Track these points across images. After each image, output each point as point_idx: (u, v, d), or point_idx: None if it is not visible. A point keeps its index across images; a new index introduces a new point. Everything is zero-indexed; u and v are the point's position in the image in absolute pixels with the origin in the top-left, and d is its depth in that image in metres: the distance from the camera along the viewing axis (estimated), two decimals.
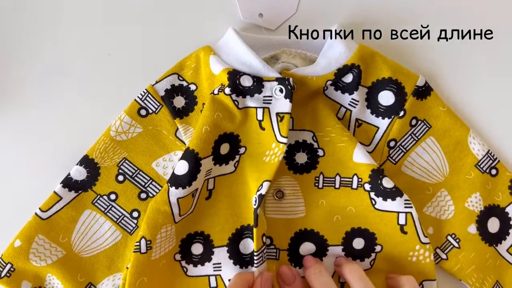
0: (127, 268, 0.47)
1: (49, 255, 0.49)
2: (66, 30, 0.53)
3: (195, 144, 0.47)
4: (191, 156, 0.47)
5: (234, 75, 0.48)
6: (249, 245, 0.50)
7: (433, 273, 0.50)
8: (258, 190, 0.47)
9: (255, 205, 0.47)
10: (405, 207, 0.48)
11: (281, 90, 0.49)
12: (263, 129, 0.49)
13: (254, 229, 0.46)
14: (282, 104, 0.49)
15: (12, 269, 0.49)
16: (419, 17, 0.54)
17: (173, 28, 0.53)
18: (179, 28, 0.53)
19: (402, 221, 0.49)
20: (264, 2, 0.53)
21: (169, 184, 0.47)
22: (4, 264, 0.49)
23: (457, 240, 0.51)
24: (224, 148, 0.50)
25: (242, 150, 0.50)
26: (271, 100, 0.49)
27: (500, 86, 0.54)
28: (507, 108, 0.54)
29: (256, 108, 0.49)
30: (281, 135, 0.48)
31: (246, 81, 0.49)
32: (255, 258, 0.46)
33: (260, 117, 0.49)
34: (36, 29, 0.53)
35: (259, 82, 0.49)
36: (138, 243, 0.46)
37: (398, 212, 0.49)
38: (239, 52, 0.50)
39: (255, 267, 0.46)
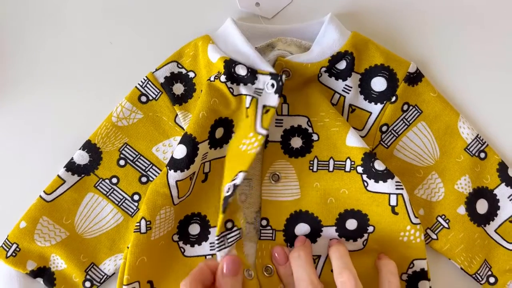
0: (128, 248, 0.49)
1: (53, 236, 0.51)
2: (69, 19, 0.54)
3: (193, 129, 0.49)
4: (188, 141, 0.49)
5: (230, 63, 0.50)
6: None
7: (424, 253, 0.52)
8: (233, 180, 0.47)
9: (227, 192, 0.47)
10: (396, 188, 0.50)
11: (272, 85, 0.50)
12: (247, 116, 0.51)
13: (220, 215, 0.47)
14: (271, 98, 0.50)
15: (17, 249, 0.51)
16: (411, 5, 0.55)
17: (172, 17, 0.55)
18: (178, 17, 0.55)
19: (393, 202, 0.50)
20: None
21: (168, 168, 0.49)
22: (10, 244, 0.50)
23: (447, 221, 0.53)
24: (219, 133, 0.51)
25: (234, 135, 0.53)
26: (261, 93, 0.51)
27: (489, 72, 0.56)
28: (496, 94, 0.56)
29: (247, 95, 0.51)
30: (261, 126, 0.49)
31: (241, 70, 0.50)
32: (216, 242, 0.47)
33: (247, 105, 0.51)
34: (40, 18, 0.54)
35: (253, 74, 0.51)
36: (138, 224, 0.48)
37: (389, 194, 0.51)
38: (237, 42, 0.51)
39: (217, 251, 0.47)
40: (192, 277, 0.44)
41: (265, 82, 0.50)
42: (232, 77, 0.50)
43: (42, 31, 0.54)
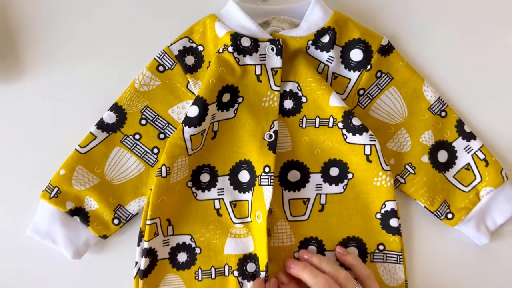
0: (151, 189, 0.58)
1: (87, 181, 0.61)
2: (99, 4, 0.65)
3: (204, 93, 0.59)
4: (200, 102, 0.59)
5: (235, 36, 0.60)
6: (245, 175, 0.62)
7: (393, 195, 0.61)
8: (271, 128, 0.60)
9: (270, 138, 0.59)
10: (370, 140, 0.60)
11: (272, 49, 0.60)
12: (260, 81, 0.61)
13: (272, 156, 0.59)
14: (275, 61, 0.61)
15: (58, 192, 0.60)
16: None
17: (183, 4, 0.65)
18: (185, 4, 0.65)
19: (367, 151, 0.60)
20: None
21: (183, 124, 0.59)
22: (52, 188, 0.60)
23: (413, 168, 0.63)
24: (226, 97, 0.61)
25: (240, 99, 0.62)
26: (265, 57, 0.61)
27: (449, 45, 0.66)
28: (454, 63, 0.66)
29: (255, 65, 0.61)
30: (275, 85, 0.61)
31: (245, 42, 0.60)
32: (263, 179, 0.59)
33: (258, 72, 0.61)
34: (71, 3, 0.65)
35: (255, 43, 0.61)
36: (159, 170, 0.58)
37: (364, 145, 0.60)
38: (239, 18, 0.61)
39: (265, 185, 0.58)
40: None
41: (266, 47, 0.61)
42: (238, 49, 0.60)
43: (76, 13, 0.64)
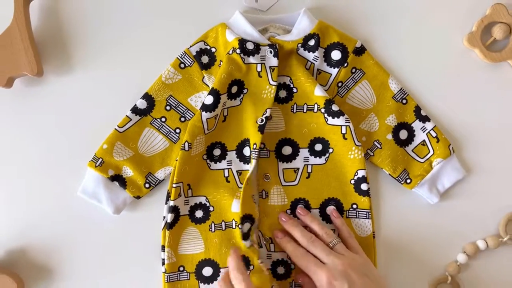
0: (176, 160, 0.72)
1: (124, 154, 0.74)
2: (133, 17, 0.78)
3: (217, 85, 0.73)
4: (214, 93, 0.72)
5: (242, 41, 0.73)
6: (247, 150, 0.75)
7: (364, 165, 0.74)
8: (264, 114, 0.72)
9: (262, 122, 0.72)
10: (345, 122, 0.73)
11: (270, 52, 0.74)
12: (260, 77, 0.74)
13: (260, 136, 0.72)
14: (272, 61, 0.74)
15: (102, 162, 0.74)
16: (359, 3, 0.78)
17: (197, 12, 0.77)
18: (201, 11, 0.77)
19: (343, 131, 0.73)
20: None
21: (201, 110, 0.72)
22: (97, 158, 0.74)
23: (380, 144, 0.75)
24: (234, 89, 0.75)
25: (245, 91, 0.75)
26: (265, 58, 0.74)
27: (409, 46, 0.78)
28: (414, 60, 0.78)
29: (256, 64, 0.74)
30: (272, 80, 0.74)
31: (250, 45, 0.74)
32: (252, 153, 0.72)
33: (259, 69, 0.74)
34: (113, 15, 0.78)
35: (257, 46, 0.74)
36: (183, 145, 0.72)
37: (341, 125, 0.73)
38: (244, 27, 0.75)
39: (253, 158, 0.72)
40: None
41: (265, 50, 0.73)
42: (244, 51, 0.73)
43: (116, 23, 0.78)
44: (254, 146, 0.73)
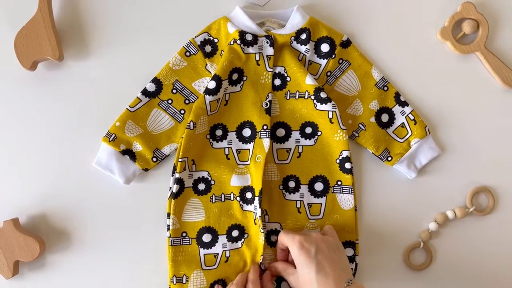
0: (182, 137, 0.79)
1: (134, 131, 0.81)
2: (147, 12, 0.86)
3: (219, 71, 0.80)
4: (217, 78, 0.79)
5: (242, 33, 0.81)
6: (247, 132, 0.82)
7: (348, 146, 0.80)
8: (267, 98, 0.80)
9: (267, 106, 0.80)
10: (332, 108, 0.80)
11: (267, 42, 0.81)
12: (259, 65, 0.81)
13: (268, 118, 0.80)
14: (269, 50, 0.81)
15: (115, 137, 0.80)
16: (346, 1, 0.86)
17: (203, 6, 0.85)
18: (207, 5, 0.85)
19: (330, 115, 0.80)
20: None
21: (204, 93, 0.79)
22: (111, 134, 0.80)
23: (364, 126, 0.82)
24: (234, 76, 0.81)
25: (244, 78, 0.82)
26: (262, 48, 0.81)
27: (390, 39, 0.85)
28: (394, 52, 0.85)
29: (255, 53, 0.81)
30: (269, 67, 0.81)
31: (249, 37, 0.81)
32: (263, 133, 0.80)
33: (257, 58, 0.81)
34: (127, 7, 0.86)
35: (255, 38, 0.81)
36: (189, 124, 0.78)
37: (328, 111, 0.80)
38: (244, 20, 0.82)
39: (266, 137, 0.80)
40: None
41: (263, 41, 0.81)
42: (244, 41, 0.81)
43: (131, 14, 0.85)
44: (265, 127, 0.80)
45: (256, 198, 0.79)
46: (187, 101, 0.83)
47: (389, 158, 0.83)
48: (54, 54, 0.81)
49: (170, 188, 0.81)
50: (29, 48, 0.81)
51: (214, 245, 0.80)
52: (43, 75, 0.84)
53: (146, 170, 0.82)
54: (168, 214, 0.80)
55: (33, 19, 0.81)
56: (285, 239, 0.76)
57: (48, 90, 0.84)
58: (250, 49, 0.81)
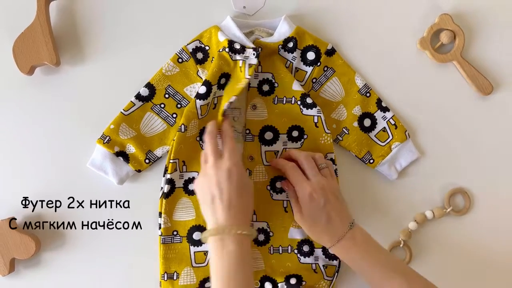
0: (173, 140, 0.82)
1: (128, 134, 0.84)
2: (141, 20, 0.89)
3: (209, 77, 0.82)
4: (207, 84, 0.82)
5: (231, 42, 0.83)
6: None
7: (332, 149, 0.84)
8: (229, 101, 0.79)
9: (227, 107, 0.79)
10: (317, 113, 0.83)
11: (253, 54, 0.83)
12: (241, 71, 0.83)
13: (220, 117, 0.80)
14: (253, 60, 0.82)
15: (109, 139, 0.83)
16: (329, 11, 0.89)
17: (195, 15, 0.88)
18: (199, 14, 0.88)
19: (316, 120, 0.84)
20: None
21: (195, 98, 0.82)
22: (105, 136, 0.83)
23: (347, 130, 0.86)
24: (223, 81, 0.84)
25: (229, 82, 0.85)
26: (248, 57, 0.84)
27: (372, 49, 0.89)
28: (376, 60, 0.88)
29: (241, 60, 0.84)
30: (248, 74, 0.82)
31: (237, 46, 0.83)
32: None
33: (240, 65, 0.83)
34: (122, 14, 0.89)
35: (243, 48, 0.84)
36: (180, 127, 0.81)
37: (314, 115, 0.84)
38: (234, 30, 0.84)
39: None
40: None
41: (250, 52, 0.83)
42: (232, 49, 0.83)
43: (126, 21, 0.88)
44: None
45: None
46: (179, 106, 0.86)
47: (371, 161, 0.86)
48: (51, 59, 0.84)
49: (162, 188, 0.84)
50: (27, 53, 0.84)
51: (204, 243, 0.83)
52: (40, 79, 0.87)
53: (139, 171, 0.85)
54: (160, 213, 0.83)
55: (31, 25, 0.84)
56: (295, 181, 0.80)
57: (45, 93, 0.87)
58: (238, 56, 0.83)
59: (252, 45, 0.84)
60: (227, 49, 0.83)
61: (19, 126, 0.87)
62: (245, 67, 0.83)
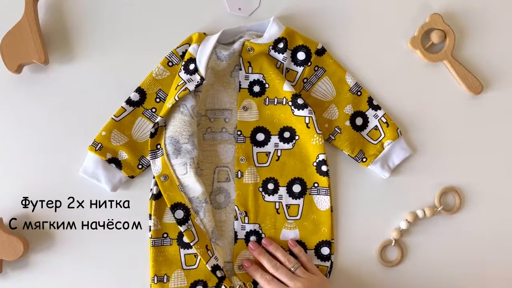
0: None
1: (120, 140, 0.84)
2: (131, 23, 0.89)
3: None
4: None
5: (189, 60, 0.83)
6: None
7: (324, 150, 0.84)
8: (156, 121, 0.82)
9: (170, 105, 0.80)
10: (309, 113, 0.83)
11: (197, 82, 0.81)
12: (175, 89, 0.82)
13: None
14: (191, 86, 0.81)
15: (101, 146, 0.83)
16: (319, 12, 0.89)
17: (187, 18, 0.88)
18: (191, 17, 0.88)
19: (307, 121, 0.84)
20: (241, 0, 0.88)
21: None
22: (97, 143, 0.83)
23: (340, 129, 0.86)
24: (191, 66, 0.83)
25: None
26: (190, 81, 0.82)
27: (362, 48, 0.89)
28: (366, 59, 0.89)
29: (182, 80, 0.83)
30: (178, 97, 0.80)
31: (191, 67, 0.82)
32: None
33: (179, 83, 0.82)
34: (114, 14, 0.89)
35: (194, 71, 0.82)
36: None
37: (305, 116, 0.84)
38: (208, 49, 0.82)
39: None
40: None
41: (196, 78, 0.81)
42: (185, 67, 0.83)
43: (117, 23, 0.88)
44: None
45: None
46: None
47: (364, 159, 0.87)
48: (40, 57, 0.83)
49: (151, 189, 0.84)
50: (15, 51, 0.83)
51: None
52: (28, 78, 0.87)
53: (132, 177, 0.85)
54: (150, 216, 0.83)
55: (19, 23, 0.84)
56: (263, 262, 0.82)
57: (33, 92, 0.87)
58: (183, 75, 0.83)
59: (203, 74, 0.82)
60: (183, 63, 0.84)
61: (7, 126, 0.87)
62: (181, 88, 0.82)
